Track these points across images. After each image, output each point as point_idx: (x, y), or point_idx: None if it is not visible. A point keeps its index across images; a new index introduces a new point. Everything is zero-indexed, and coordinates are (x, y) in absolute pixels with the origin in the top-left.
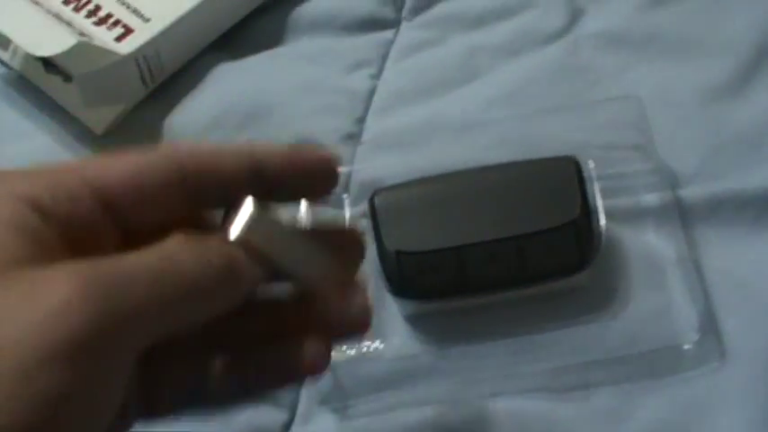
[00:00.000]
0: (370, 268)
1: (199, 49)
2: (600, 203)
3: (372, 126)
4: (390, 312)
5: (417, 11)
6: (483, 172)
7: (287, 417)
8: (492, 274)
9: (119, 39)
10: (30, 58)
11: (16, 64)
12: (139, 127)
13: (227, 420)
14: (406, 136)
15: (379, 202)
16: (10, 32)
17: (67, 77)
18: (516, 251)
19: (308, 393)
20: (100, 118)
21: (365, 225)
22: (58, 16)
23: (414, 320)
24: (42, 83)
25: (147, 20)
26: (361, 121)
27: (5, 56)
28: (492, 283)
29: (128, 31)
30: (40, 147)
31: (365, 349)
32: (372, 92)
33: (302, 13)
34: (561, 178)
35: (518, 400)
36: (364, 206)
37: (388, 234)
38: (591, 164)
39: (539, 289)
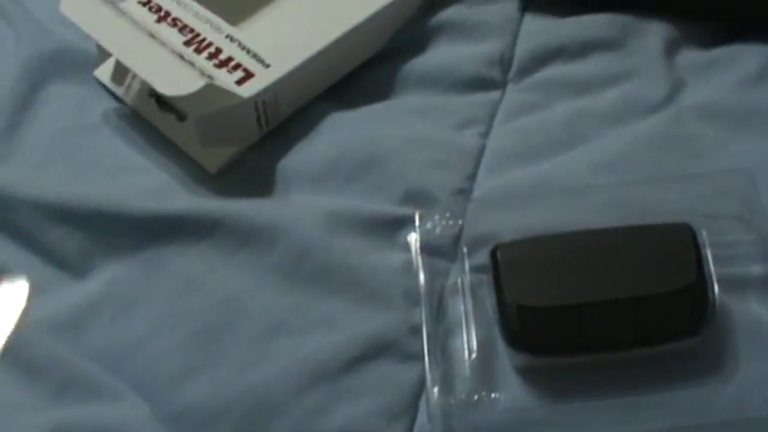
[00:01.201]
0: (486, 319)
1: (312, 96)
2: (713, 271)
3: (483, 183)
4: (502, 364)
5: (523, 74)
6: (601, 233)
7: None
8: (609, 333)
9: (239, 82)
10: (143, 94)
11: (129, 99)
12: (253, 168)
13: None
14: (516, 195)
15: (502, 255)
16: (140, 71)
17: (181, 116)
18: (634, 312)
19: None
20: (214, 157)
21: (483, 278)
22: (180, 57)
23: (526, 373)
24: (155, 119)
25: (268, 65)
26: (472, 177)
27: (120, 91)
28: (608, 342)
29: (248, 75)
30: (157, 182)
31: (477, 397)
32: (482, 150)
33: (411, 68)
34: (677, 244)
35: None
36: (476, 260)
37: (510, 287)
38: (704, 232)
39: (651, 350)
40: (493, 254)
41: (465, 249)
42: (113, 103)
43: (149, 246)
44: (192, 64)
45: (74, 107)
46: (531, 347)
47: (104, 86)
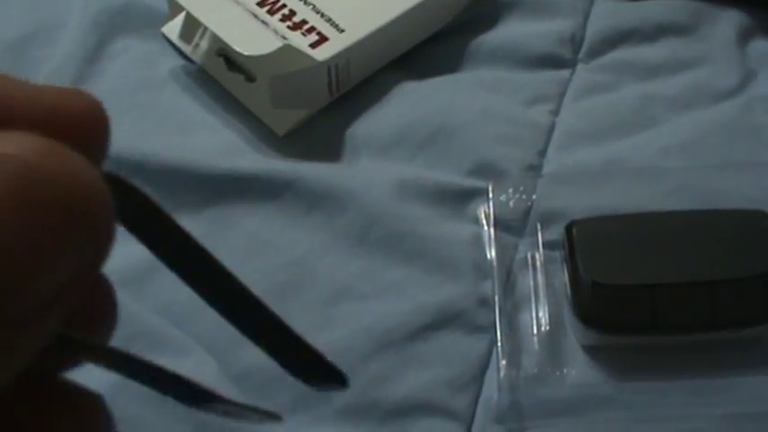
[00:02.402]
0: (558, 295)
1: (383, 65)
2: None
3: (553, 160)
4: (570, 341)
5: (594, 54)
6: (677, 215)
7: (463, 430)
8: (682, 315)
9: (313, 45)
10: (212, 53)
11: (197, 58)
12: (321, 133)
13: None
14: (586, 174)
15: (577, 232)
16: (216, 29)
17: (249, 77)
18: (709, 296)
19: (484, 408)
20: (283, 120)
21: (553, 254)
22: (255, 17)
23: (594, 351)
24: (223, 79)
25: (342, 30)
26: (542, 154)
27: (188, 49)
28: (680, 324)
29: (322, 38)
30: (224, 141)
31: (545, 372)
32: (552, 127)
33: (482, 42)
34: (754, 230)
35: None
36: (546, 236)
37: (585, 264)
38: None
39: (724, 335)
40: (568, 230)
41: (539, 225)
42: (180, 61)
43: (217, 204)
44: (265, 24)
45: (142, 63)
46: (603, 325)
47: (171, 44)
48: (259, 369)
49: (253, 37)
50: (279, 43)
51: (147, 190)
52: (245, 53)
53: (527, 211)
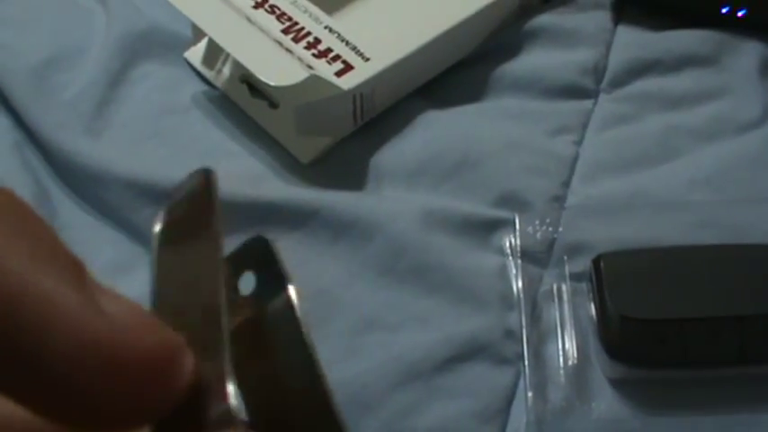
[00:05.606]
0: (584, 328)
1: (407, 93)
2: None
3: (577, 191)
4: (597, 374)
5: (616, 85)
6: (705, 249)
7: None
8: (710, 350)
9: (339, 74)
10: (234, 79)
11: (220, 83)
12: (346, 161)
13: None
14: (611, 206)
15: (606, 265)
16: (242, 58)
17: (273, 104)
18: (738, 331)
19: None
20: (307, 148)
21: (578, 286)
22: (280, 44)
23: (621, 385)
24: (246, 106)
25: (367, 59)
26: (567, 185)
27: (210, 75)
28: (709, 359)
29: (348, 67)
30: (249, 168)
31: (572, 405)
32: (576, 158)
33: (504, 72)
34: None
35: None
36: (571, 268)
37: (613, 297)
38: None
39: (752, 370)
40: (596, 263)
41: (565, 257)
42: (203, 86)
43: (241, 232)
44: (290, 51)
45: (165, 88)
46: (631, 358)
47: (194, 69)
48: None
49: (278, 66)
50: (305, 73)
51: None
52: (272, 83)
53: (552, 243)
